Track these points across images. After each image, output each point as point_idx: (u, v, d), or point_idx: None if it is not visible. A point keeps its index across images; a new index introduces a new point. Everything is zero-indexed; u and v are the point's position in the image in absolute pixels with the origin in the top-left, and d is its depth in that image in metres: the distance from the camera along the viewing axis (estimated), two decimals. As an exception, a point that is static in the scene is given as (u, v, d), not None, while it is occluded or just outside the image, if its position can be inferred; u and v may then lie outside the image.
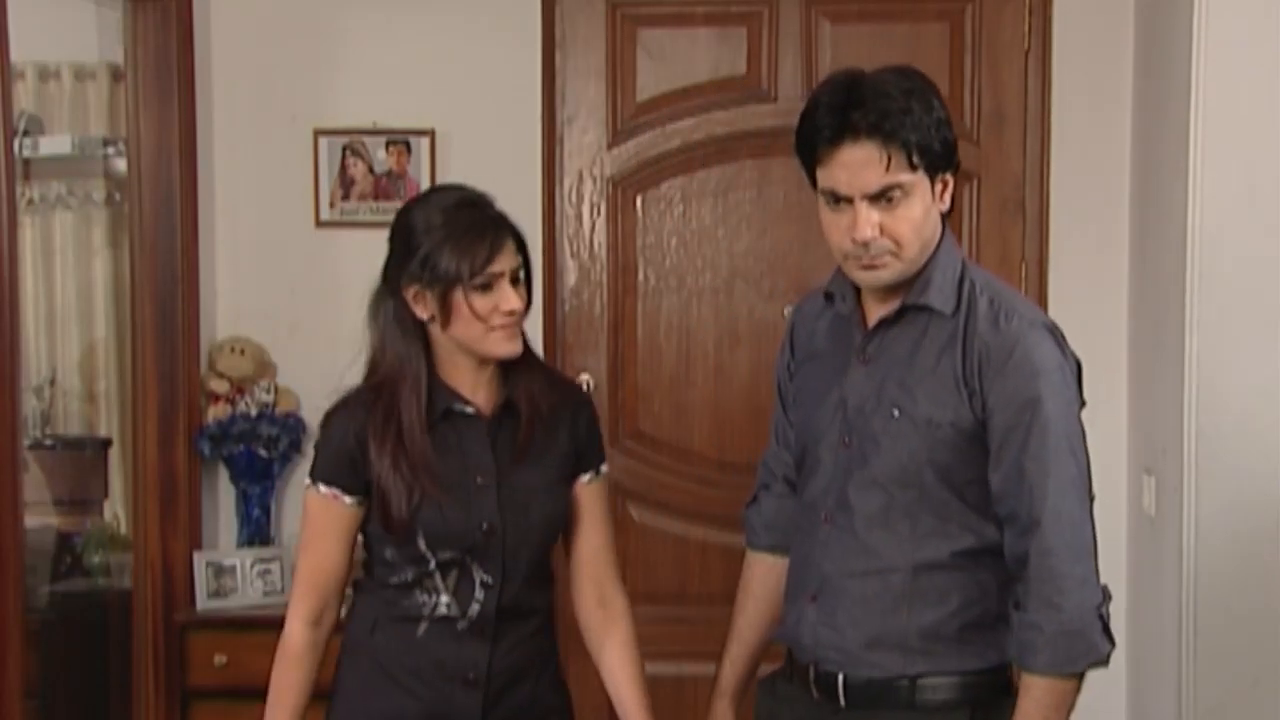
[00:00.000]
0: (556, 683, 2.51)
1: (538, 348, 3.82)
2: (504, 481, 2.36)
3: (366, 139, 3.99)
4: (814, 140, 2.17)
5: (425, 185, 3.94)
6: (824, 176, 2.18)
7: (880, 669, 2.24)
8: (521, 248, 2.36)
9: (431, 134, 3.97)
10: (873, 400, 2.24)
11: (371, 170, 4.00)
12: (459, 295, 2.29)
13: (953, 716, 2.26)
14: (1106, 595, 2.23)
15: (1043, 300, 3.87)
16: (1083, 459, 2.22)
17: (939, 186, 2.19)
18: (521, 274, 2.36)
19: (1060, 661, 2.17)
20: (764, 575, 2.48)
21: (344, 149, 4.00)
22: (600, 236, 4.00)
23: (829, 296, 2.35)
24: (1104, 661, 2.21)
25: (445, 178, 3.91)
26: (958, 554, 2.24)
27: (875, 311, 2.27)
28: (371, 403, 2.36)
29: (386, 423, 2.34)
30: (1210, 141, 3.01)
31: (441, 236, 2.30)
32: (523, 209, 3.84)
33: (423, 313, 2.33)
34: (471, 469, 2.35)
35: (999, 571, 2.25)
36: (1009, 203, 3.90)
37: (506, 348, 2.34)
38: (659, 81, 3.97)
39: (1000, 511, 2.22)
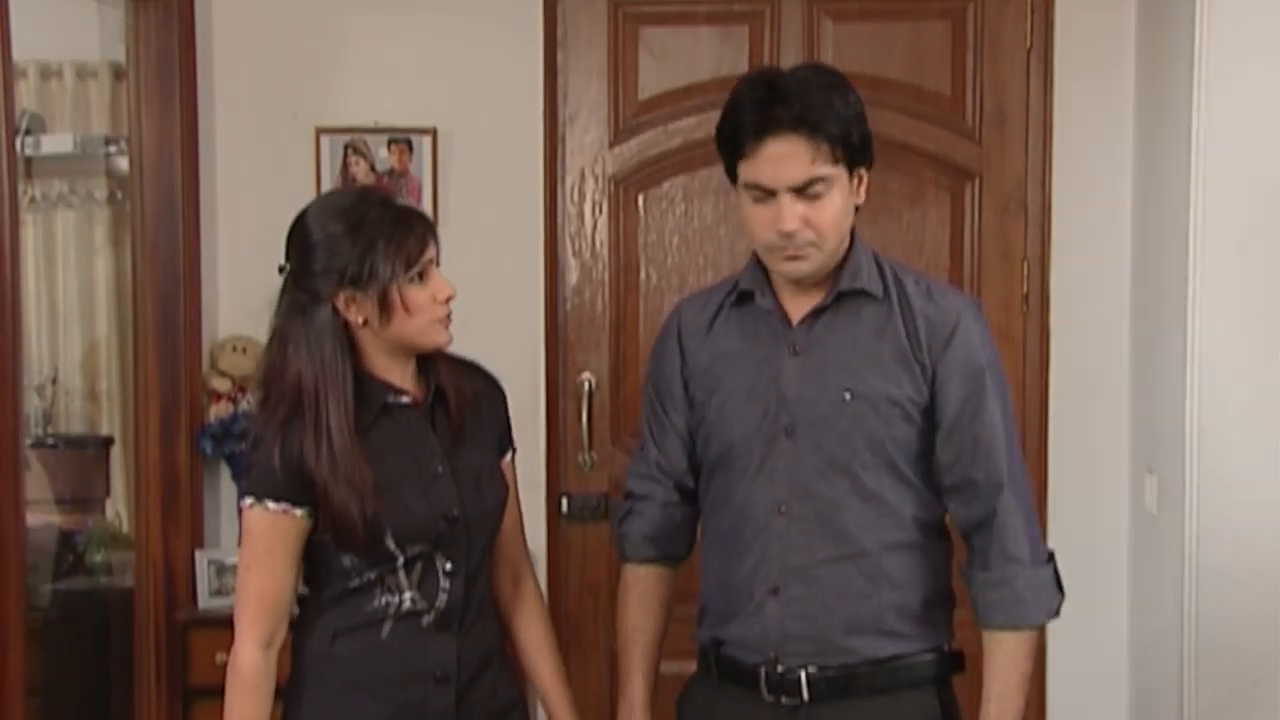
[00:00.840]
0: (509, 672, 2.50)
1: (539, 347, 3.90)
2: (456, 467, 2.35)
3: (368, 137, 3.99)
4: (738, 135, 2.23)
5: (427, 184, 3.94)
6: (747, 170, 2.24)
7: (854, 655, 2.28)
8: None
9: (433, 132, 3.97)
10: (815, 388, 2.27)
11: (373, 169, 3.99)
12: (395, 292, 2.27)
13: (920, 696, 2.32)
14: (1050, 551, 2.35)
15: (1044, 298, 3.87)
16: (1013, 422, 2.35)
17: (856, 180, 2.26)
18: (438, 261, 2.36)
19: (1031, 615, 2.29)
20: (655, 586, 2.49)
21: (346, 147, 3.99)
22: (602, 235, 4.00)
23: (745, 295, 2.37)
24: (1058, 613, 2.33)
25: (447, 176, 3.92)
26: (919, 531, 2.31)
27: (795, 304, 2.32)
28: (296, 416, 2.28)
29: (317, 435, 2.27)
30: (1212, 140, 3.02)
31: (370, 237, 2.27)
32: (524, 207, 3.92)
33: (356, 316, 2.29)
34: (423, 458, 2.33)
35: (947, 547, 2.35)
36: (1011, 201, 3.90)
37: (445, 336, 2.35)
38: (661, 80, 3.96)
39: (950, 480, 2.29)
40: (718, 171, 3.91)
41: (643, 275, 4.00)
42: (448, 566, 2.33)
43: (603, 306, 4.01)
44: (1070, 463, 3.84)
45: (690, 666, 2.52)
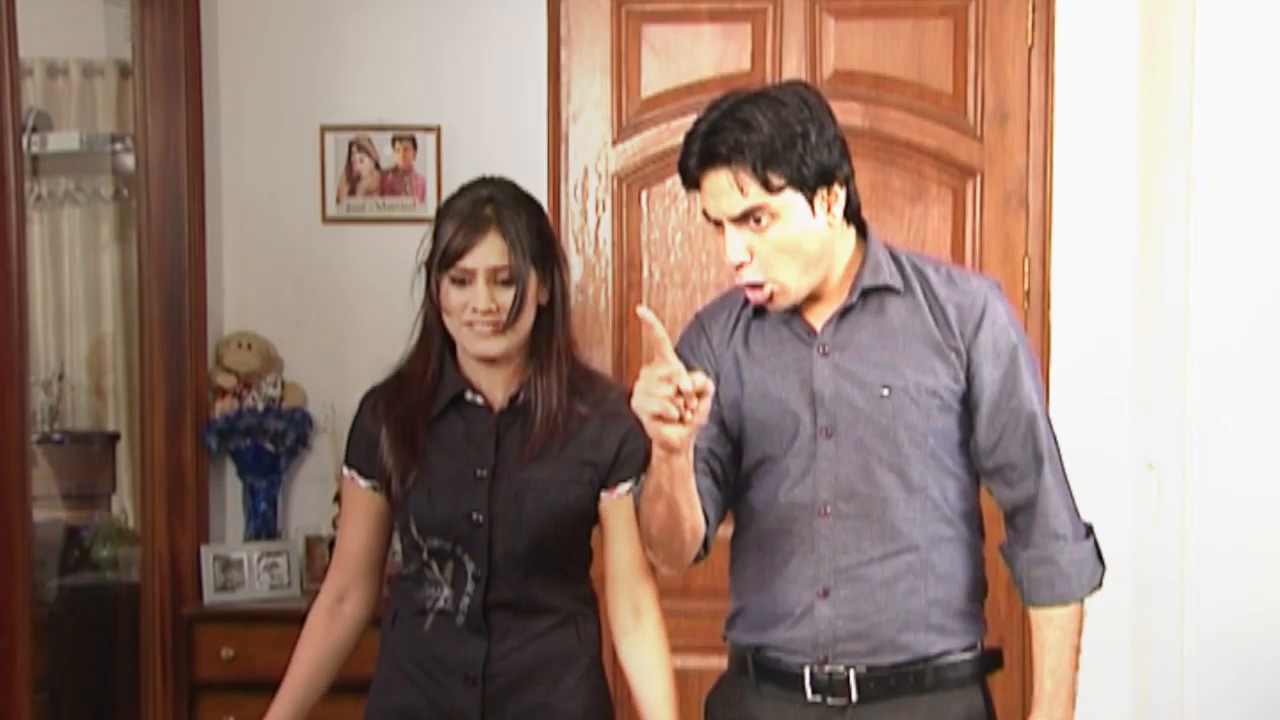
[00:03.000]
0: (586, 689, 2.42)
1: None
2: (503, 475, 2.32)
3: (373, 135, 3.99)
4: (686, 165, 2.23)
5: (431, 181, 3.95)
6: (701, 200, 2.24)
7: (907, 651, 2.25)
8: (520, 248, 2.28)
9: (438, 130, 3.97)
10: (851, 386, 2.25)
11: (378, 166, 4.00)
12: (442, 284, 2.28)
13: (966, 694, 2.31)
14: (1090, 523, 2.35)
15: (1046, 295, 3.87)
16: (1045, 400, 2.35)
17: (821, 202, 2.20)
18: (514, 276, 2.27)
19: (1076, 588, 2.30)
20: None
21: (351, 145, 4.00)
22: (605, 232, 4.00)
23: (761, 309, 2.31)
24: (1101, 584, 2.34)
25: (451, 174, 3.92)
26: (963, 522, 2.30)
27: (813, 309, 2.29)
28: (393, 386, 2.38)
29: (394, 404, 2.34)
30: (1212, 135, 3.02)
31: (438, 222, 2.30)
32: (528, 204, 3.91)
33: (436, 299, 2.32)
34: (473, 460, 2.33)
35: (981, 539, 2.34)
36: (1012, 198, 3.90)
37: (480, 346, 2.30)
38: (664, 78, 3.96)
39: (991, 463, 2.29)
40: (721, 169, 3.96)
41: (646, 272, 4.00)
42: (476, 571, 2.33)
43: (606, 303, 4.01)
44: (1071, 458, 3.77)
45: (714, 661, 2.49)
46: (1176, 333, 3.14)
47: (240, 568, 3.91)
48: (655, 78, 3.96)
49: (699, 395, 1.97)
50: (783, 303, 2.24)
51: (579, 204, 4.00)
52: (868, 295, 2.27)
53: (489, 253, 2.26)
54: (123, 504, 4.67)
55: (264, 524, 4.00)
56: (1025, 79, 3.87)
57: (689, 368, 2.24)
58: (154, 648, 3.94)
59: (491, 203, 2.29)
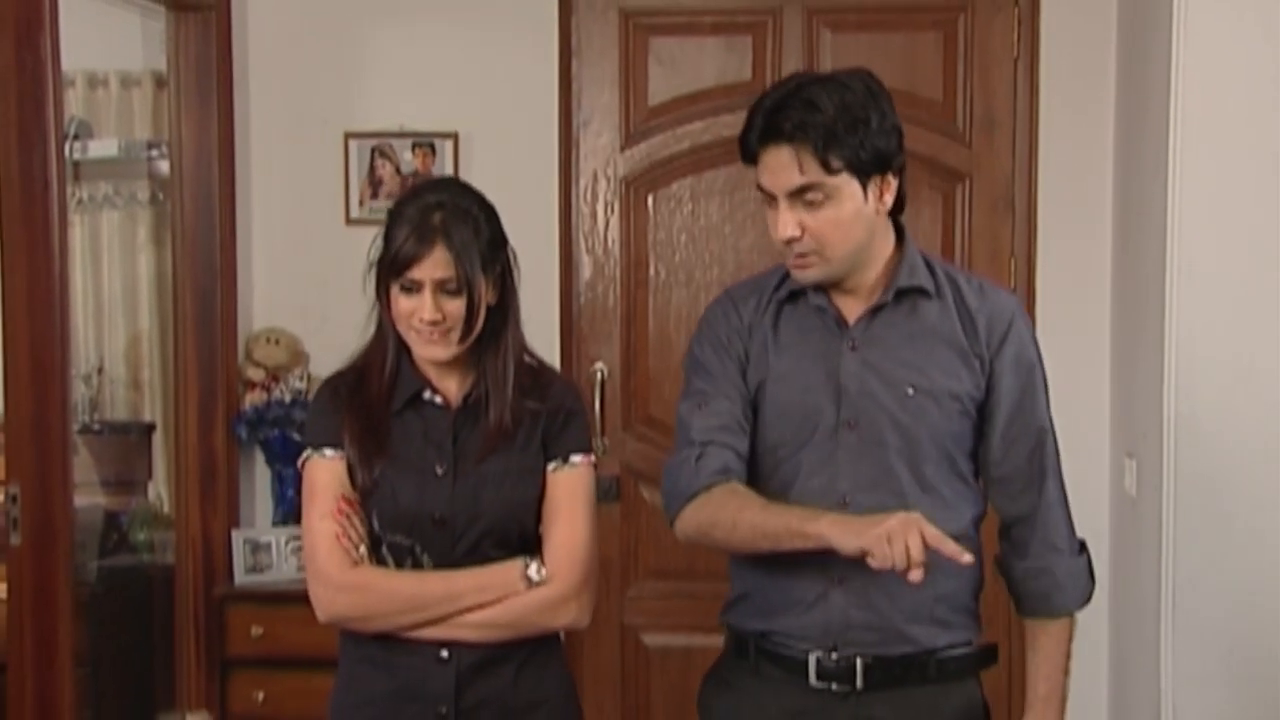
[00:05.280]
0: (545, 674, 2.33)
1: (554, 339, 3.88)
2: (461, 472, 2.24)
3: (394, 141, 3.99)
4: (746, 140, 2.19)
5: (449, 185, 3.94)
6: (758, 174, 2.19)
7: (914, 643, 2.22)
8: (467, 259, 2.18)
9: (455, 137, 3.97)
10: (878, 383, 2.21)
11: (398, 171, 3.99)
12: (392, 290, 2.21)
13: (965, 686, 2.28)
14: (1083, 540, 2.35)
15: (1031, 292, 3.87)
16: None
17: (874, 188, 2.16)
18: (460, 286, 2.18)
19: (1070, 601, 2.29)
20: (748, 491, 2.21)
21: (373, 151, 3.99)
22: (614, 233, 4.00)
23: (797, 293, 2.27)
24: (1089, 598, 2.34)
25: (468, 177, 3.84)
26: (970, 522, 2.27)
27: (846, 303, 2.25)
28: (351, 376, 2.30)
29: (354, 394, 2.27)
30: (1188, 142, 3.00)
31: (389, 225, 2.23)
32: (540, 208, 3.92)
33: (386, 302, 2.25)
34: (431, 457, 2.25)
35: (981, 543, 2.30)
36: (999, 201, 3.90)
37: (428, 351, 2.23)
38: (669, 87, 3.96)
39: (999, 472, 2.26)
40: (723, 173, 3.96)
41: (652, 271, 4.00)
42: (428, 563, 2.24)
43: (614, 300, 4.00)
44: (1054, 447, 3.83)
45: (706, 640, 2.47)
46: (1154, 328, 3.13)
47: (269, 550, 3.91)
48: (661, 87, 3.96)
49: (914, 566, 1.95)
50: (817, 274, 2.19)
51: (588, 206, 3.99)
52: (901, 296, 2.23)
53: (435, 265, 2.17)
54: (158, 490, 4.67)
55: (290, 509, 4.00)
56: (1011, 89, 3.87)
57: (718, 339, 2.27)
58: (188, 626, 3.96)
59: (440, 209, 2.20)
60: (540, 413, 2.28)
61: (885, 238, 2.24)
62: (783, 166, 2.14)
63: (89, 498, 4.35)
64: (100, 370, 4.86)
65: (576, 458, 2.30)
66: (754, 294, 2.32)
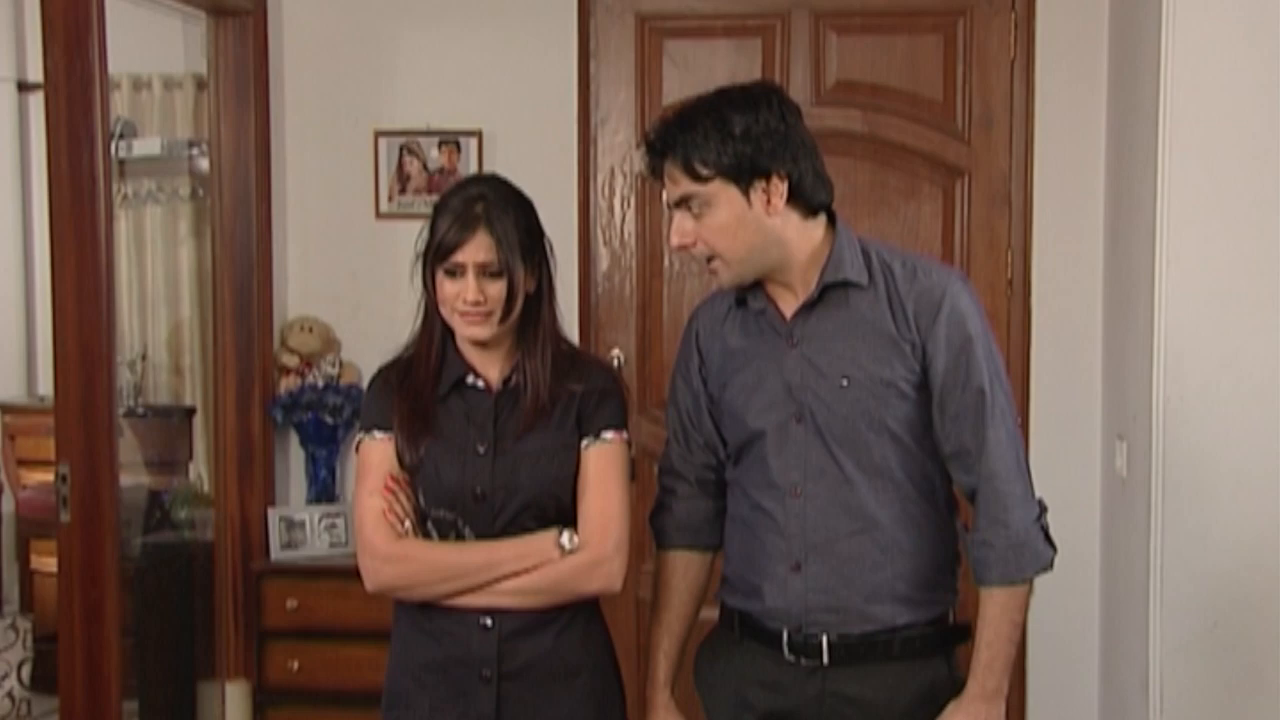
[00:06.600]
0: (585, 639, 2.36)
1: (573, 327, 3.90)
2: (501, 450, 2.29)
3: (421, 139, 4.01)
4: (648, 159, 2.24)
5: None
6: None
7: (875, 622, 2.22)
8: (507, 245, 2.24)
9: (479, 134, 3.99)
10: (815, 377, 2.22)
11: (425, 167, 4.02)
12: (437, 275, 2.27)
13: (932, 663, 2.27)
14: (1043, 507, 2.26)
15: (1026, 282, 3.88)
16: (1007, 389, 2.24)
17: (758, 192, 2.16)
18: (501, 269, 2.24)
19: (1012, 572, 2.21)
20: (684, 570, 2.40)
21: (401, 148, 4.02)
22: (630, 226, 4.02)
23: (741, 300, 2.30)
24: (1049, 566, 2.24)
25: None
26: (928, 501, 2.25)
27: (786, 302, 2.26)
28: (402, 365, 2.36)
29: (404, 381, 2.33)
30: (1177, 139, 3.00)
31: (434, 218, 2.28)
32: (560, 202, 3.95)
33: (432, 288, 2.30)
34: (473, 437, 2.29)
35: (949, 517, 2.29)
36: (997, 196, 3.90)
37: (470, 331, 2.28)
38: (683, 87, 3.95)
39: (948, 449, 2.22)
40: (733, 169, 3.97)
41: (666, 262, 4.02)
42: (471, 538, 2.29)
43: (630, 290, 4.03)
44: (1048, 430, 3.84)
45: (710, 613, 2.49)
46: (1144, 316, 3.14)
47: (303, 528, 3.94)
48: (675, 87, 3.96)
49: None
50: (727, 277, 2.23)
51: (606, 201, 4.01)
52: (831, 289, 2.22)
53: (478, 249, 2.23)
54: (198, 470, 4.71)
55: (324, 489, 4.04)
56: (1008, 89, 3.87)
57: (681, 369, 2.36)
58: (226, 599, 4.00)
59: (482, 200, 2.25)
60: (577, 394, 2.33)
61: (803, 234, 2.22)
62: (669, 180, 2.19)
63: (133, 477, 4.39)
64: (144, 357, 4.91)
65: (609, 434, 2.33)
66: (714, 306, 2.37)
